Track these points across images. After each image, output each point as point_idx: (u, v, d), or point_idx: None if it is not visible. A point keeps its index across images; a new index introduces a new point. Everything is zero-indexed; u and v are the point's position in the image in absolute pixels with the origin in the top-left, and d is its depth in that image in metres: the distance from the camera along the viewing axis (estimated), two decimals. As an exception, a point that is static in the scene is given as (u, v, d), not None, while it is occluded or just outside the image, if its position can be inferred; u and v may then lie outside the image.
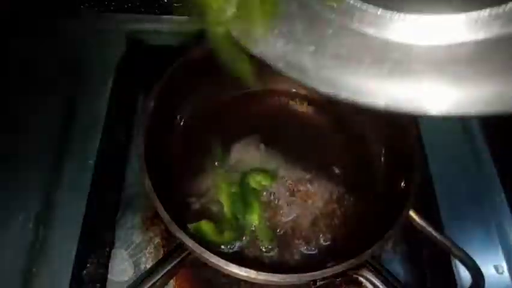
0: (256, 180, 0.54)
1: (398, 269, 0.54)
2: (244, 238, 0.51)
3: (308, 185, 0.55)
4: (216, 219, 0.51)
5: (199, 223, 0.50)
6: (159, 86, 0.46)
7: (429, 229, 0.44)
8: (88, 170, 0.55)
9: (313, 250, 0.50)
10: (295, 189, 0.55)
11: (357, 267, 0.42)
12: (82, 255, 0.49)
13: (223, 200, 0.52)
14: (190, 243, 0.39)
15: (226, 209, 0.52)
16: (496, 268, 0.55)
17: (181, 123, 0.55)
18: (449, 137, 0.65)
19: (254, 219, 0.51)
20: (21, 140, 0.58)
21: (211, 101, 0.58)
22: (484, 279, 0.42)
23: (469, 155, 0.63)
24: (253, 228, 0.51)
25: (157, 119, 0.47)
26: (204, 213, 0.52)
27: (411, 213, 0.44)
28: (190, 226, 0.49)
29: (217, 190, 0.53)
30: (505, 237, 0.57)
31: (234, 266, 0.38)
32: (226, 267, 0.38)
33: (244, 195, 0.52)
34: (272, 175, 0.55)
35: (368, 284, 0.45)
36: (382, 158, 0.54)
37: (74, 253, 0.49)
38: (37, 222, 0.52)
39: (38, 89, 0.63)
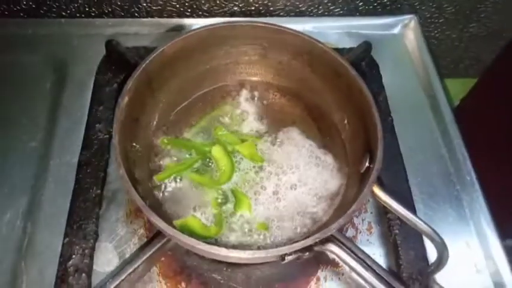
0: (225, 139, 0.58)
1: (374, 248, 0.56)
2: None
3: (285, 170, 0.57)
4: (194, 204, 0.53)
5: (186, 219, 0.52)
6: (132, 79, 0.49)
7: (394, 205, 0.46)
8: (71, 167, 0.58)
9: (293, 235, 0.52)
10: (271, 174, 0.57)
11: (324, 242, 0.44)
12: (68, 248, 0.51)
13: (208, 196, 0.54)
14: (161, 224, 0.41)
15: (211, 204, 0.54)
16: (468, 244, 0.57)
17: (157, 117, 0.58)
18: (421, 119, 0.68)
19: (246, 212, 0.53)
20: (7, 141, 0.61)
21: (186, 95, 0.60)
22: (447, 249, 0.44)
23: (440, 137, 0.66)
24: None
25: (131, 112, 0.49)
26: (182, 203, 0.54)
27: (376, 190, 0.46)
28: (176, 223, 0.51)
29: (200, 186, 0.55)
30: (476, 214, 0.59)
31: (204, 244, 0.40)
32: (197, 246, 0.40)
33: (234, 192, 0.55)
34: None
35: (339, 260, 0.47)
36: (349, 140, 0.57)
37: (60, 247, 0.51)
38: (24, 219, 0.55)
39: (22, 92, 0.66)
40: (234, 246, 0.49)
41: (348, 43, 0.74)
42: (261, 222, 0.53)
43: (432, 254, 0.52)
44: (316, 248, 0.43)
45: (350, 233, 0.57)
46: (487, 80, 0.96)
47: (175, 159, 0.57)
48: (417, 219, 0.45)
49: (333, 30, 0.77)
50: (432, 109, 0.69)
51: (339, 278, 0.53)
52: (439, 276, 0.49)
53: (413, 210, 0.55)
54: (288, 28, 0.56)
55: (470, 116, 0.90)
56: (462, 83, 1.02)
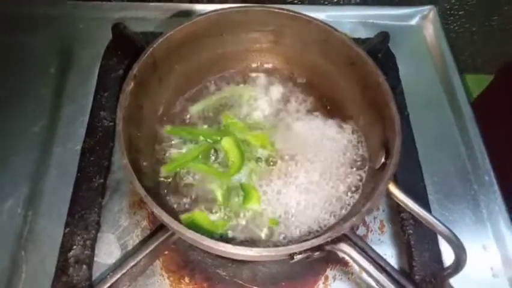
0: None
1: (385, 248, 0.53)
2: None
3: (298, 163, 0.55)
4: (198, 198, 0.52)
5: (192, 214, 0.50)
6: (138, 64, 0.47)
7: (410, 204, 0.43)
8: (75, 155, 0.56)
9: (304, 232, 0.50)
10: (283, 167, 0.54)
11: (336, 241, 0.41)
12: (69, 238, 0.50)
13: (216, 189, 0.52)
14: (165, 218, 0.39)
15: (219, 198, 0.52)
16: (484, 247, 0.55)
17: (163, 104, 0.55)
18: (438, 115, 0.65)
19: (255, 205, 0.51)
20: (9, 126, 0.59)
21: (193, 82, 0.58)
22: (465, 252, 0.42)
23: (458, 134, 0.63)
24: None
25: (136, 99, 0.47)
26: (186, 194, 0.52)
27: (391, 188, 0.43)
28: (183, 217, 0.49)
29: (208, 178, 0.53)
30: (494, 216, 0.57)
31: (210, 240, 0.38)
32: (203, 242, 0.38)
33: (242, 185, 0.53)
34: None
35: (349, 260, 0.45)
36: (364, 134, 0.54)
37: (60, 236, 0.50)
38: (25, 207, 0.53)
39: (26, 75, 0.64)
40: (242, 243, 0.47)
41: (363, 33, 0.71)
42: (271, 217, 0.50)
43: (446, 256, 0.51)
44: (327, 248, 0.41)
45: (361, 231, 0.54)
46: (503, 76, 0.93)
47: (181, 148, 0.55)
48: (435, 220, 0.43)
49: (347, 20, 0.74)
50: (451, 105, 0.66)
51: (349, 278, 0.51)
52: (454, 280, 0.47)
53: (428, 210, 0.53)
54: (303, 14, 0.53)
55: (485, 114, 0.87)
56: (478, 79, 0.99)
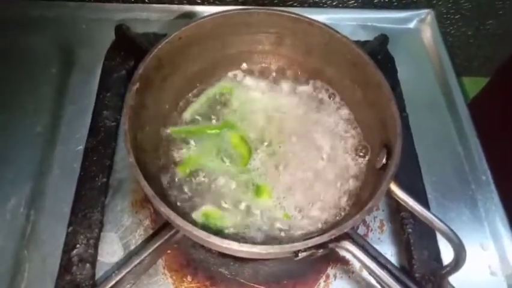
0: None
1: (385, 247, 0.54)
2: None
3: (304, 162, 0.55)
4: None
5: (200, 211, 0.50)
6: (144, 64, 0.47)
7: (411, 202, 0.44)
8: (77, 155, 0.56)
9: (308, 230, 0.50)
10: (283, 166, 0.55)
11: (339, 239, 0.42)
12: (72, 237, 0.50)
13: (226, 184, 0.53)
14: (171, 215, 0.39)
15: (229, 193, 0.52)
16: (482, 245, 0.56)
17: (167, 105, 0.56)
18: (436, 116, 0.66)
19: (266, 199, 0.52)
20: (12, 126, 0.59)
21: (197, 83, 0.58)
22: (465, 250, 0.42)
23: (455, 135, 0.64)
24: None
25: (141, 99, 0.47)
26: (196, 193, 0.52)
27: (392, 186, 0.44)
28: (195, 215, 0.49)
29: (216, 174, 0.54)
30: (491, 215, 0.58)
31: (216, 238, 0.39)
32: (207, 239, 0.39)
33: (253, 179, 0.53)
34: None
35: (350, 257, 0.46)
36: (365, 135, 0.55)
37: (63, 235, 0.50)
38: (28, 207, 0.53)
39: (28, 75, 0.64)
40: (247, 240, 0.48)
41: (362, 36, 0.72)
42: (282, 212, 0.51)
43: (445, 254, 0.51)
44: (331, 245, 0.41)
45: (361, 231, 0.55)
46: (499, 79, 0.94)
47: (184, 147, 0.55)
48: (435, 218, 0.43)
49: (347, 23, 0.75)
50: (448, 106, 0.67)
51: (349, 276, 0.52)
52: (452, 278, 0.48)
53: (427, 209, 0.54)
54: (305, 17, 0.54)
55: (481, 116, 0.89)
56: (474, 82, 1.00)
